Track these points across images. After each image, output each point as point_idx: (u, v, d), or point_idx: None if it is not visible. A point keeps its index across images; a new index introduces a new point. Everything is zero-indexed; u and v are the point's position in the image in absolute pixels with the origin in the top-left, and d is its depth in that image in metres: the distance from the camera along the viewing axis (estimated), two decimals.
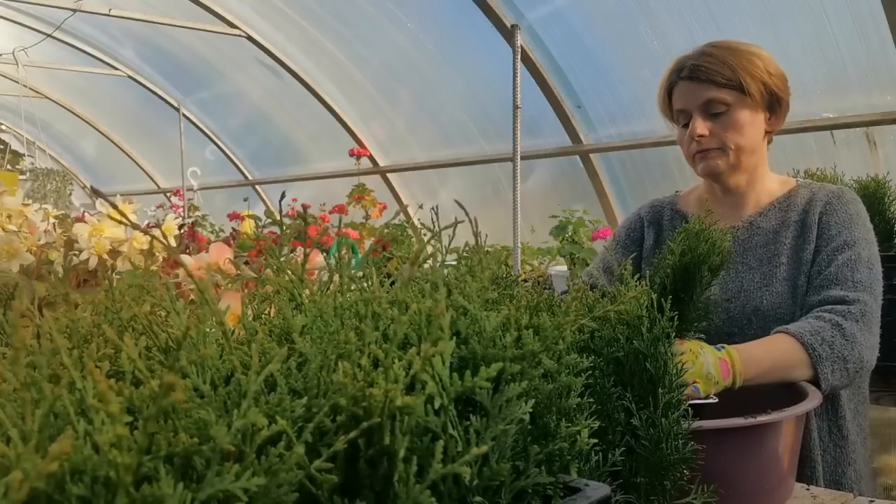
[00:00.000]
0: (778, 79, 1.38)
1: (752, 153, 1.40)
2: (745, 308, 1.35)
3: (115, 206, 0.52)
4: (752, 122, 1.37)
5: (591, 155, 4.51)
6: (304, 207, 0.67)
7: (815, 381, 1.18)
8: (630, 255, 1.53)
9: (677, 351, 1.07)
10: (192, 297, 0.96)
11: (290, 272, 0.66)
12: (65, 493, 0.36)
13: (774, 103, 1.39)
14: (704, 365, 1.08)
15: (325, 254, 1.06)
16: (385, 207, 4.47)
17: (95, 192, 0.49)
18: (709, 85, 1.35)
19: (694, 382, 1.06)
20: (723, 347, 1.12)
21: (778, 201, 1.42)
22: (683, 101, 1.39)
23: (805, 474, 1.27)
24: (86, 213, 1.35)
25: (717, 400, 1.06)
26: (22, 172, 6.72)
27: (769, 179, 1.45)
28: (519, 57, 3.31)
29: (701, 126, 1.36)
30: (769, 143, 1.44)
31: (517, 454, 0.53)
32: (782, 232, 1.39)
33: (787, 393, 1.11)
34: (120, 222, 0.47)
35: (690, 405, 0.90)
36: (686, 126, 1.40)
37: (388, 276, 0.72)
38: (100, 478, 0.36)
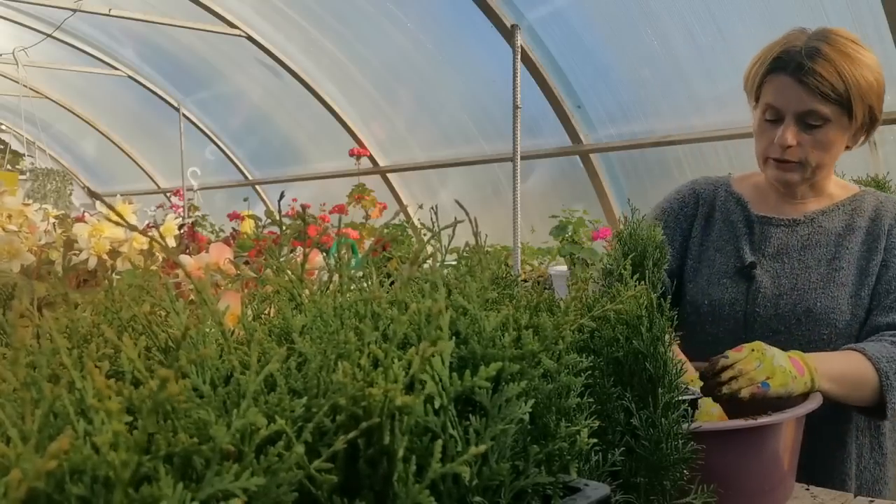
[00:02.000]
0: (881, 98, 1.29)
1: (828, 168, 1.33)
2: (795, 307, 1.29)
3: (112, 208, 0.52)
4: (840, 140, 1.28)
5: (591, 155, 4.51)
6: (304, 207, 0.67)
7: (877, 408, 1.16)
8: (680, 229, 1.44)
9: (738, 357, 1.06)
10: (191, 297, 0.96)
11: (289, 272, 0.66)
12: (64, 492, 0.36)
13: (869, 125, 1.30)
14: (775, 358, 1.06)
15: (324, 254, 1.06)
16: (385, 207, 4.47)
17: (92, 194, 0.49)
18: (815, 95, 1.23)
19: (766, 379, 1.05)
20: (789, 353, 1.11)
21: (842, 203, 1.35)
22: (781, 99, 1.26)
23: (839, 487, 1.24)
24: (86, 213, 1.35)
25: (701, 395, 1.05)
26: (22, 172, 6.71)
27: (832, 184, 1.39)
28: (519, 57, 3.31)
29: (792, 135, 1.26)
30: None
31: (517, 454, 0.53)
32: (847, 236, 1.32)
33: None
34: (118, 224, 0.47)
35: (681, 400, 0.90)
36: (771, 122, 1.29)
37: (388, 275, 0.72)
38: (99, 477, 0.36)
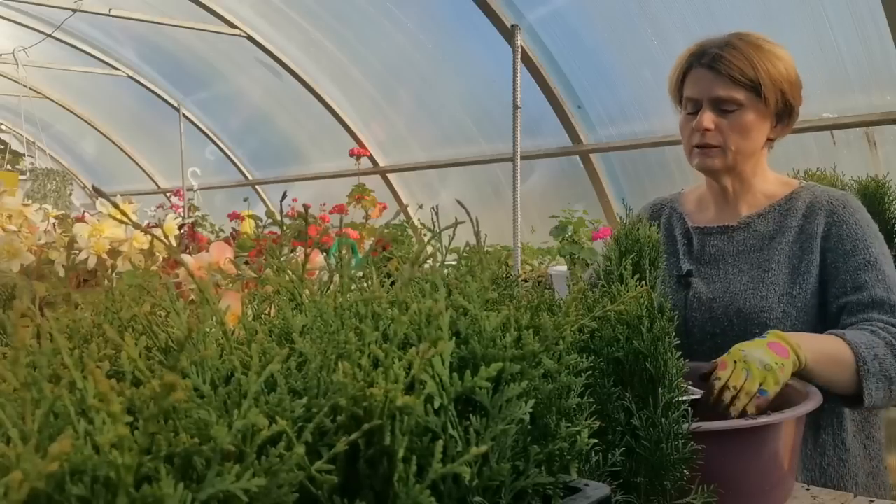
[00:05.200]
0: (795, 87, 1.35)
1: (750, 157, 1.37)
2: (727, 309, 1.32)
3: (115, 205, 0.52)
4: (758, 126, 1.34)
5: (591, 155, 4.51)
6: (305, 207, 0.67)
7: (855, 395, 1.16)
8: None
9: (727, 375, 1.05)
10: (191, 297, 0.96)
11: (290, 272, 0.66)
12: (65, 493, 0.36)
13: (785, 113, 1.36)
14: (757, 363, 1.05)
15: (325, 254, 1.06)
16: (385, 207, 4.46)
17: (97, 191, 0.49)
18: (726, 80, 1.31)
19: (761, 386, 1.03)
20: (766, 334, 1.12)
21: (778, 203, 1.38)
22: (696, 89, 1.35)
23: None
24: (86, 213, 1.35)
25: (700, 394, 1.04)
26: (22, 172, 6.71)
27: (767, 181, 1.42)
28: (519, 57, 3.31)
29: (708, 119, 1.32)
30: (770, 147, 1.42)
31: (517, 454, 0.53)
32: (777, 237, 1.35)
33: (786, 393, 1.11)
34: (121, 221, 0.47)
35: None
36: (692, 114, 1.36)
37: (388, 276, 0.72)
38: (100, 478, 0.36)
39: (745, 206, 1.41)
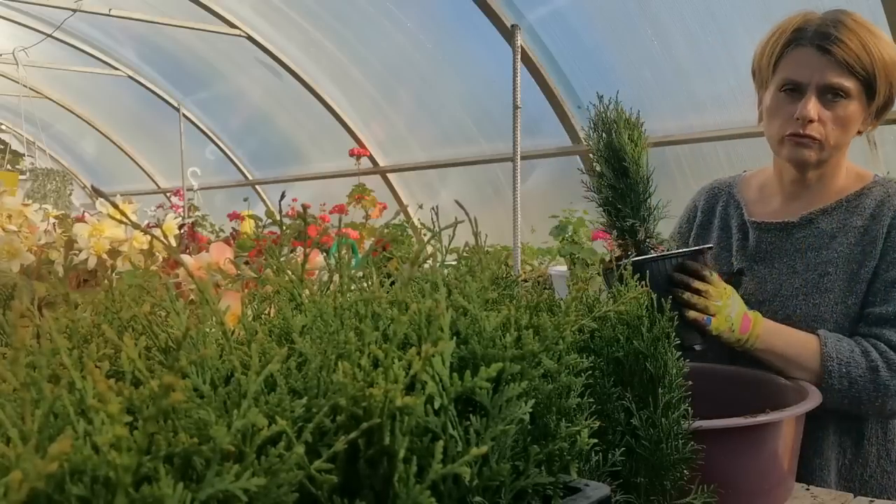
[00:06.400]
0: None
1: (840, 150, 1.25)
2: (776, 315, 1.22)
3: (115, 206, 0.52)
4: (858, 119, 1.21)
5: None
6: (304, 207, 0.67)
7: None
8: (684, 240, 1.46)
9: (713, 280, 1.12)
10: (191, 297, 0.96)
11: (290, 272, 0.66)
12: (64, 493, 0.36)
13: (885, 107, 1.24)
14: (731, 306, 1.12)
15: (325, 254, 1.06)
16: (385, 207, 4.46)
17: (96, 192, 0.49)
18: (840, 67, 1.16)
19: (713, 315, 1.11)
20: (753, 311, 1.17)
21: (846, 199, 1.26)
22: (802, 72, 1.19)
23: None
24: (86, 213, 1.35)
25: (655, 258, 1.12)
26: (22, 172, 6.70)
27: (843, 174, 1.29)
28: (519, 57, 3.31)
29: (814, 109, 1.18)
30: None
31: (517, 454, 0.53)
32: (839, 237, 1.24)
33: (785, 393, 1.11)
34: (121, 222, 0.47)
35: (634, 261, 1.04)
36: (789, 95, 1.21)
37: (388, 276, 0.72)
38: (99, 478, 0.36)
39: (813, 201, 1.29)
